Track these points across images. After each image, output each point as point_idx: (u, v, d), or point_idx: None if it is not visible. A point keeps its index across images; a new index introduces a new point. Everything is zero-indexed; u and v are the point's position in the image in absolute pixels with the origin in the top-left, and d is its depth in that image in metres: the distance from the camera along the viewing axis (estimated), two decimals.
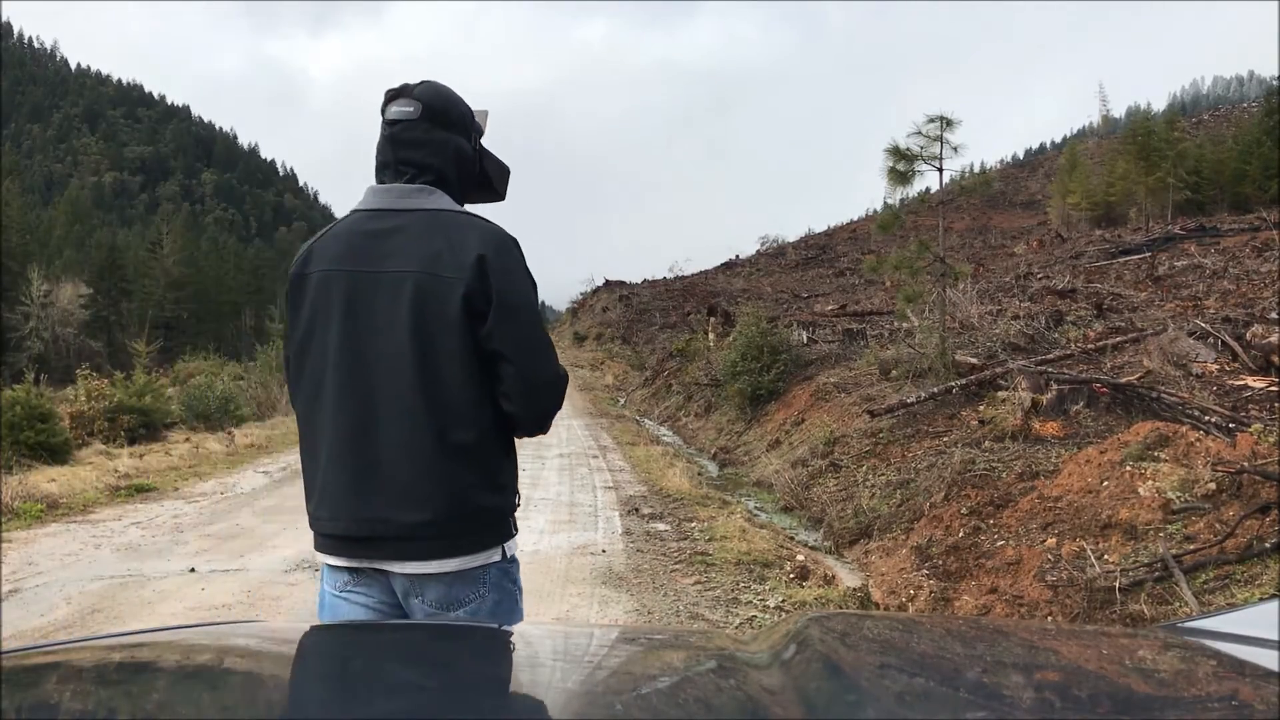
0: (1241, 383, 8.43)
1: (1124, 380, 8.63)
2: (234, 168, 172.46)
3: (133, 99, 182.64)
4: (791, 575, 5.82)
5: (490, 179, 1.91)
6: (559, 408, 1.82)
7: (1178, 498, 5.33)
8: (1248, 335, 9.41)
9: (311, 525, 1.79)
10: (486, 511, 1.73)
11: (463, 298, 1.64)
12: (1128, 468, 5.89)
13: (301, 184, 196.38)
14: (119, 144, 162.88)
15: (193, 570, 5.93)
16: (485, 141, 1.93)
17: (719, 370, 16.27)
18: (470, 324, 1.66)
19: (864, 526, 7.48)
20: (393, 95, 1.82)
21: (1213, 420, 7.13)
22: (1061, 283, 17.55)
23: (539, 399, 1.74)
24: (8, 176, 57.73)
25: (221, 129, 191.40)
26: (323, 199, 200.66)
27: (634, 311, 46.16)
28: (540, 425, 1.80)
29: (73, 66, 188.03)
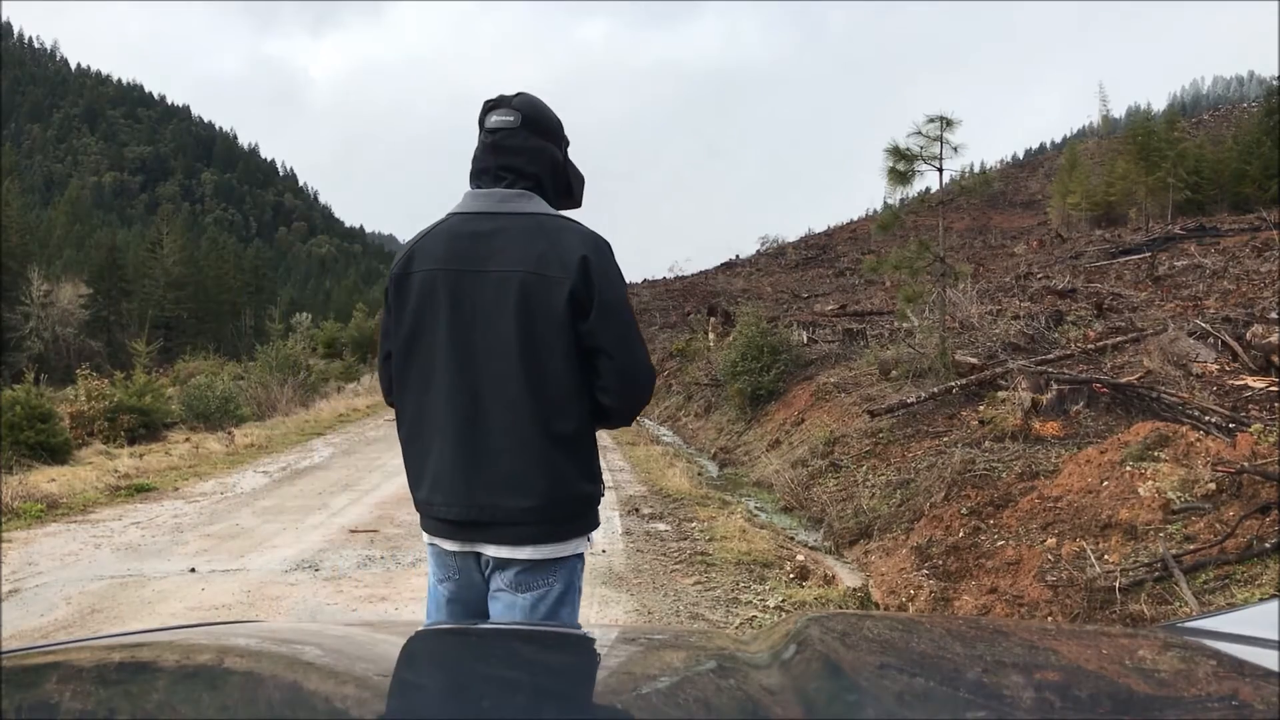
0: (1241, 383, 8.43)
1: (1124, 380, 8.63)
2: (234, 168, 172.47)
3: (133, 99, 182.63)
4: (791, 575, 5.82)
5: (571, 186, 2.01)
6: (649, 400, 1.95)
7: (1178, 498, 5.33)
8: (1248, 335, 9.41)
9: (421, 510, 1.91)
10: (583, 499, 1.86)
11: (568, 296, 1.75)
12: (1128, 468, 5.89)
13: (301, 184, 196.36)
14: (119, 144, 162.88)
15: (193, 570, 5.93)
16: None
17: (719, 370, 16.27)
18: (572, 321, 1.77)
19: (864, 526, 7.48)
20: (492, 105, 1.92)
21: (1213, 420, 7.13)
22: (1061, 283, 17.55)
23: (634, 391, 1.87)
24: (8, 176, 57.70)
25: (221, 129, 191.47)
26: (323, 199, 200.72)
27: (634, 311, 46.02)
28: (632, 416, 1.93)
29: (73, 66, 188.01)
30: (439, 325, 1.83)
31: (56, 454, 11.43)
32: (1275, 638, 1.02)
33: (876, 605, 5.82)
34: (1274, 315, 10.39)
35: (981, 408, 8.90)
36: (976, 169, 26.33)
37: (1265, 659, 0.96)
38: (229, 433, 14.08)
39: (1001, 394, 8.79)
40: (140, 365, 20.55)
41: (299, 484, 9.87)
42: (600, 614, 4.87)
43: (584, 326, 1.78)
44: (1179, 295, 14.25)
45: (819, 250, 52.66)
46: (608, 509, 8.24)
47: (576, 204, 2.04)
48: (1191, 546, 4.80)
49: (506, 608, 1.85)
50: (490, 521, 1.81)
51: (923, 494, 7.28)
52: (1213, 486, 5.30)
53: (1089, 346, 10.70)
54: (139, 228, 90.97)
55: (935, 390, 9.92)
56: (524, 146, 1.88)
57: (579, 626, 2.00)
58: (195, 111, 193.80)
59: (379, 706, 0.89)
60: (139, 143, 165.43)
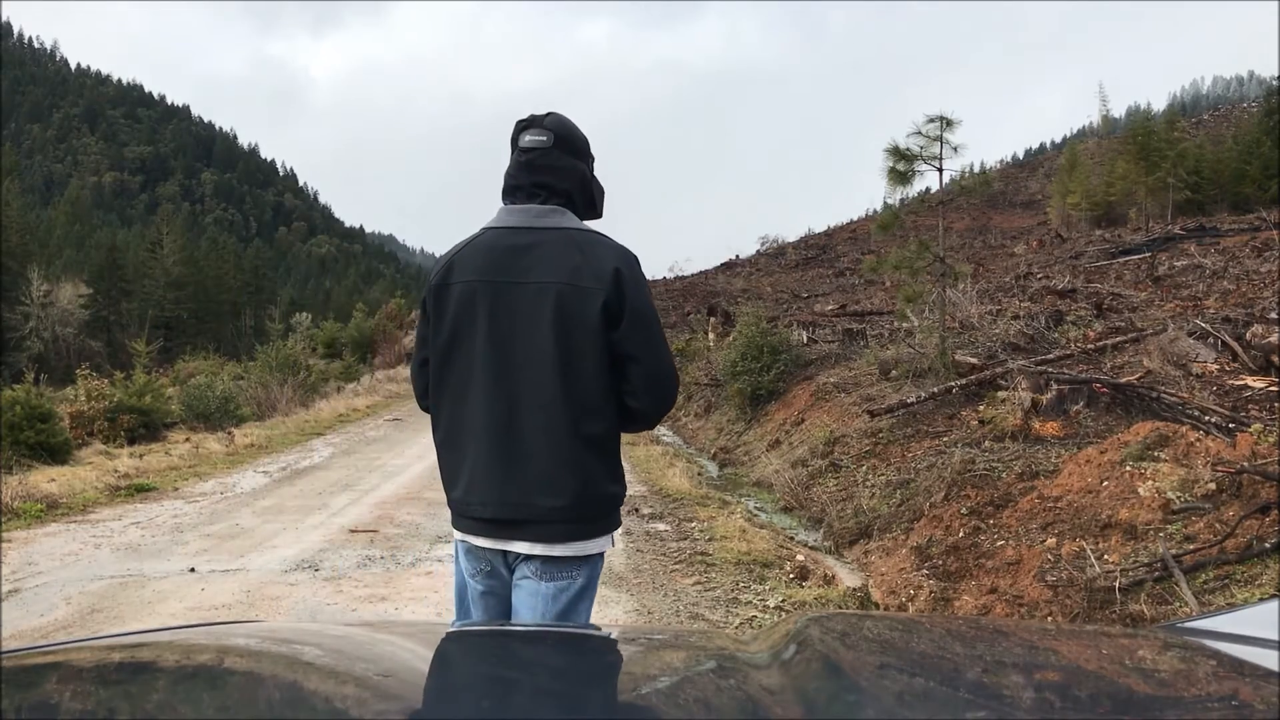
0: (1241, 383, 8.42)
1: (1124, 380, 8.63)
2: (234, 168, 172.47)
3: (133, 99, 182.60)
4: (791, 575, 5.82)
5: (595, 200, 2.11)
6: (674, 403, 2.07)
7: (1178, 498, 5.33)
8: (1248, 335, 9.41)
9: (456, 509, 2.00)
10: (609, 499, 1.96)
11: (602, 306, 1.86)
12: (1128, 468, 5.89)
13: (301, 184, 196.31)
14: (119, 144, 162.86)
15: (192, 570, 5.93)
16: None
17: (719, 370, 16.26)
18: (605, 329, 1.88)
19: (864, 526, 7.48)
20: (525, 125, 2.02)
21: (1213, 420, 7.13)
22: (1061, 283, 17.54)
23: (662, 394, 1.98)
24: (8, 176, 57.67)
25: (221, 129, 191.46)
26: (323, 199, 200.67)
27: None
28: (658, 418, 2.04)
29: (73, 66, 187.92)
30: (477, 334, 1.92)
31: (56, 454, 11.43)
32: (1275, 638, 1.02)
33: (876, 605, 5.82)
34: (1274, 315, 10.39)
35: (981, 408, 8.90)
36: (976, 169, 26.30)
37: (1265, 659, 0.96)
38: (229, 433, 14.08)
39: (1001, 394, 8.79)
40: (140, 365, 20.57)
41: (299, 484, 9.87)
42: (600, 614, 4.87)
43: (615, 334, 1.89)
44: (1179, 295, 14.25)
45: (819, 250, 52.64)
46: None
47: (599, 215, 2.13)
48: (1191, 546, 4.80)
49: (529, 595, 1.93)
50: (524, 520, 1.90)
51: (923, 494, 7.28)
52: (1213, 486, 5.30)
53: (1089, 346, 10.70)
54: (139, 228, 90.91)
55: (935, 390, 9.92)
56: (556, 165, 1.98)
57: (588, 625, 2.01)
58: (195, 111, 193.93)
59: (378, 706, 0.89)
60: (139, 143, 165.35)
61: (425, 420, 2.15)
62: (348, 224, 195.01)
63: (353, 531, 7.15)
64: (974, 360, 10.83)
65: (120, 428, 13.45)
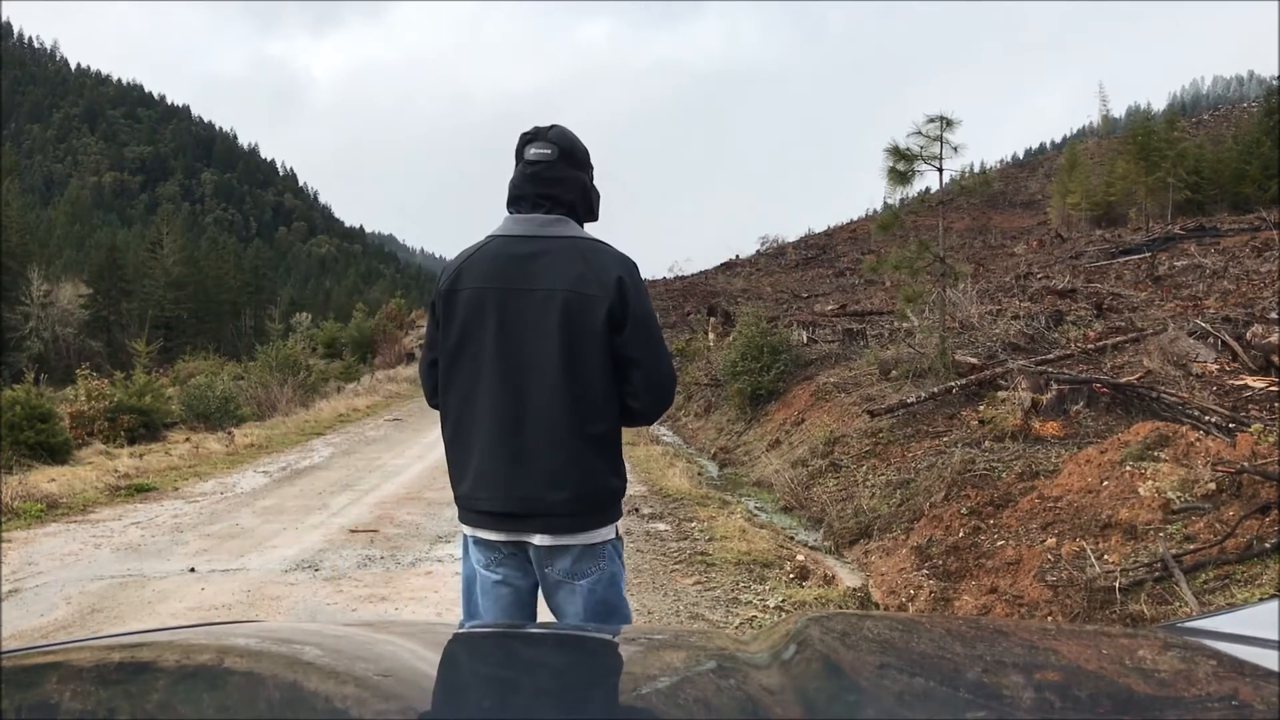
0: (1241, 383, 8.42)
1: (1124, 380, 8.63)
2: (234, 168, 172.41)
3: (133, 99, 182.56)
4: (791, 575, 5.82)
5: (593, 206, 2.21)
6: (672, 402, 2.22)
7: (1178, 498, 5.33)
8: (1248, 335, 9.41)
9: (464, 504, 2.11)
10: (610, 493, 2.07)
11: (606, 312, 1.96)
12: (1128, 468, 5.89)
13: (301, 184, 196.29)
14: (119, 144, 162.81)
15: (193, 570, 5.93)
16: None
17: (719, 370, 16.26)
18: (608, 334, 1.98)
19: (864, 526, 7.48)
20: (529, 138, 2.12)
21: (1213, 420, 7.13)
22: (1061, 283, 17.54)
23: (661, 395, 2.10)
24: (8, 176, 57.65)
25: (221, 129, 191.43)
26: (323, 199, 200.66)
27: None
28: (657, 416, 2.16)
29: (73, 66, 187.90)
30: (485, 337, 2.02)
31: (56, 454, 11.43)
32: (1275, 638, 1.02)
33: (876, 605, 5.82)
34: (1274, 315, 10.39)
35: (981, 408, 8.90)
36: (976, 169, 26.30)
37: (1265, 659, 0.96)
38: (229, 433, 14.08)
39: (1001, 394, 8.79)
40: (140, 365, 20.58)
41: (299, 484, 9.87)
42: None
43: (618, 339, 2.00)
44: (1179, 295, 14.25)
45: (819, 250, 52.61)
46: None
47: (595, 219, 2.23)
48: (1191, 546, 4.80)
49: (569, 594, 2.06)
50: (531, 514, 2.00)
51: (923, 494, 7.28)
52: (1213, 486, 5.30)
53: (1089, 346, 10.70)
54: (139, 228, 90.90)
55: (935, 390, 9.92)
56: (561, 177, 2.08)
57: (588, 626, 2.01)
58: (195, 111, 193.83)
59: (378, 706, 0.89)
60: (139, 143, 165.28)
61: (425, 420, 2.20)
62: (348, 224, 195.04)
63: (353, 531, 7.15)
64: (974, 360, 10.82)
65: (120, 428, 13.46)
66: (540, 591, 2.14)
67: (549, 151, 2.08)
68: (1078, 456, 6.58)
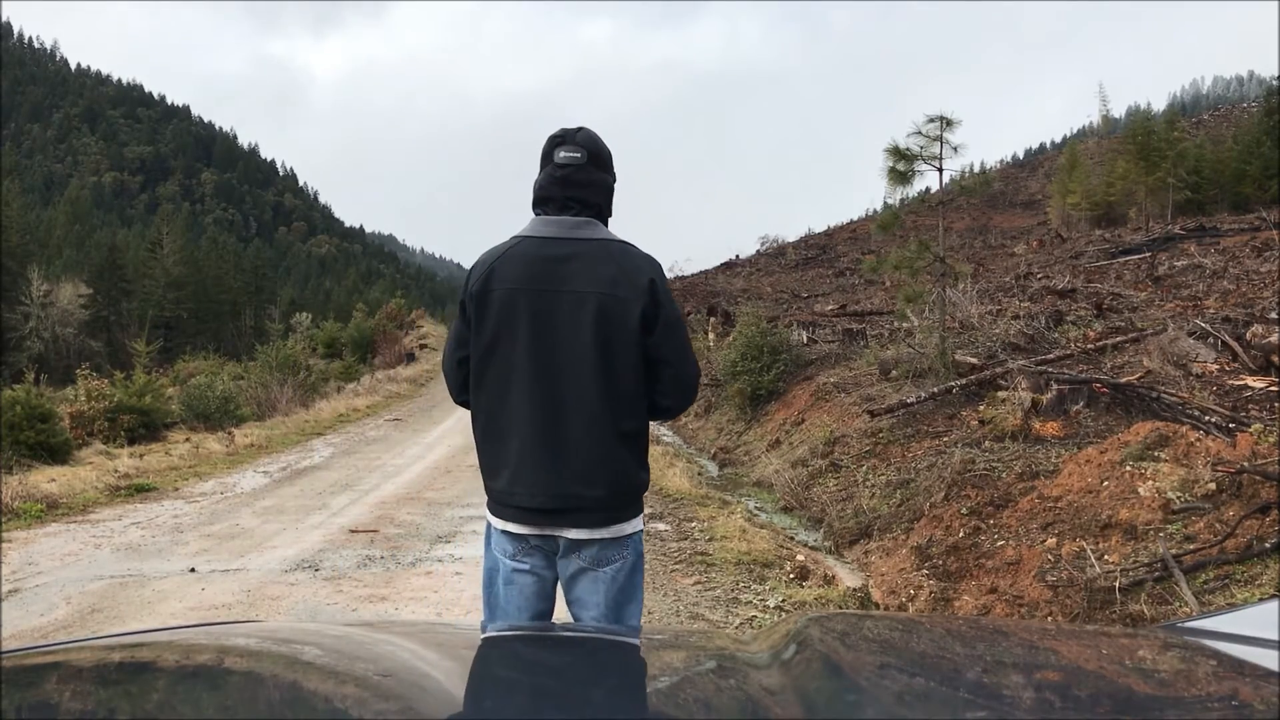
0: (1241, 383, 8.42)
1: (1124, 380, 8.63)
2: (234, 168, 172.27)
3: (133, 99, 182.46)
4: (791, 575, 5.82)
5: (611, 206, 2.26)
6: (695, 399, 2.30)
7: (1178, 498, 5.33)
8: (1248, 335, 9.41)
9: (500, 499, 2.13)
10: (640, 486, 2.15)
11: (640, 314, 2.03)
12: (1128, 468, 5.89)
13: (301, 184, 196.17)
14: (119, 144, 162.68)
15: (193, 570, 5.93)
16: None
17: (719, 370, 16.26)
18: (641, 335, 2.04)
19: (864, 526, 7.48)
20: (558, 141, 2.16)
21: (1213, 420, 7.13)
22: (1061, 283, 17.53)
23: (689, 392, 2.19)
24: (8, 176, 57.63)
25: (221, 129, 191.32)
26: (323, 199, 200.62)
27: None
28: (682, 411, 2.30)
29: (73, 66, 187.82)
30: (518, 337, 2.05)
31: (56, 454, 11.43)
32: (1275, 638, 1.02)
33: (876, 605, 5.82)
34: (1274, 315, 10.39)
35: (981, 408, 8.90)
36: (977, 169, 26.29)
37: (1265, 659, 0.96)
38: (229, 433, 14.08)
39: (1001, 394, 8.79)
40: (140, 365, 20.56)
41: (299, 484, 9.87)
42: None
43: (650, 340, 2.06)
44: (1179, 295, 14.25)
45: (819, 250, 52.58)
46: None
47: (610, 214, 2.27)
48: (1191, 546, 4.80)
49: (591, 582, 2.11)
50: (568, 509, 2.05)
51: (923, 494, 7.27)
52: (1213, 486, 5.30)
53: (1089, 346, 10.69)
54: (139, 228, 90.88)
55: (935, 390, 9.91)
56: (589, 180, 2.13)
57: (589, 626, 2.01)
58: (195, 111, 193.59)
59: (378, 706, 0.89)
60: (139, 143, 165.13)
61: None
62: (348, 224, 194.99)
63: (353, 531, 7.14)
64: (974, 360, 10.82)
65: (120, 428, 13.46)
66: (559, 581, 2.18)
67: (579, 155, 2.12)
68: (1078, 456, 6.58)
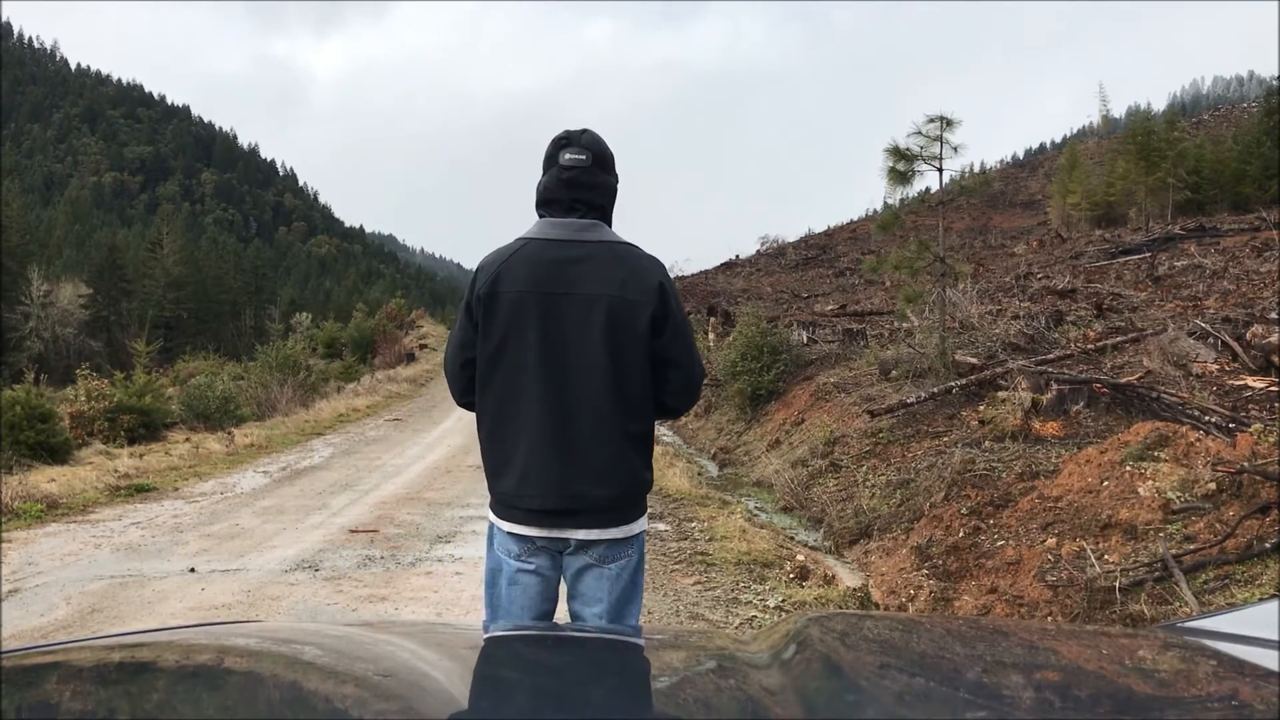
0: (1241, 383, 8.42)
1: (1124, 380, 8.63)
2: (234, 168, 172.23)
3: (133, 99, 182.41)
4: (791, 575, 5.82)
5: (613, 207, 2.27)
6: (699, 398, 2.33)
7: (1178, 498, 5.33)
8: (1248, 335, 9.41)
9: (508, 501, 2.12)
10: (646, 485, 2.17)
11: (650, 317, 2.05)
12: (1128, 468, 5.89)
13: (301, 184, 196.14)
14: (119, 144, 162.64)
15: (193, 570, 5.93)
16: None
17: (719, 370, 16.26)
18: (650, 337, 2.07)
19: (864, 526, 7.48)
20: (563, 143, 2.17)
21: (1213, 420, 7.13)
22: (1061, 283, 17.54)
23: (694, 392, 2.22)
24: (8, 176, 57.61)
25: (221, 129, 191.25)
26: (323, 199, 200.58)
27: None
28: (685, 412, 2.33)
29: (73, 66, 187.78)
30: (527, 340, 2.06)
31: (56, 454, 11.43)
32: (1275, 638, 1.02)
33: (876, 605, 5.82)
34: (1274, 315, 10.39)
35: (981, 408, 8.90)
36: (977, 169, 26.28)
37: (1265, 659, 0.96)
38: (229, 433, 14.08)
39: (1001, 394, 8.79)
40: (140, 365, 20.56)
41: (299, 484, 9.87)
42: None
43: (658, 342, 2.08)
44: (1179, 295, 14.25)
45: (819, 250, 52.56)
46: None
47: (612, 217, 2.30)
48: (1191, 546, 4.80)
49: (597, 578, 2.12)
50: (577, 510, 2.06)
51: (923, 494, 7.28)
52: (1213, 486, 5.30)
53: (1089, 346, 10.70)
54: (139, 228, 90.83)
55: (935, 390, 9.92)
56: (594, 182, 2.14)
57: (588, 626, 2.01)
58: (196, 111, 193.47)
59: (378, 706, 0.89)
60: (139, 143, 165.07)
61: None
62: (348, 224, 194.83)
63: (353, 532, 7.14)
64: (974, 360, 10.83)
65: (120, 428, 13.46)
66: (564, 578, 2.20)
67: (584, 157, 2.13)
68: (1078, 456, 6.58)
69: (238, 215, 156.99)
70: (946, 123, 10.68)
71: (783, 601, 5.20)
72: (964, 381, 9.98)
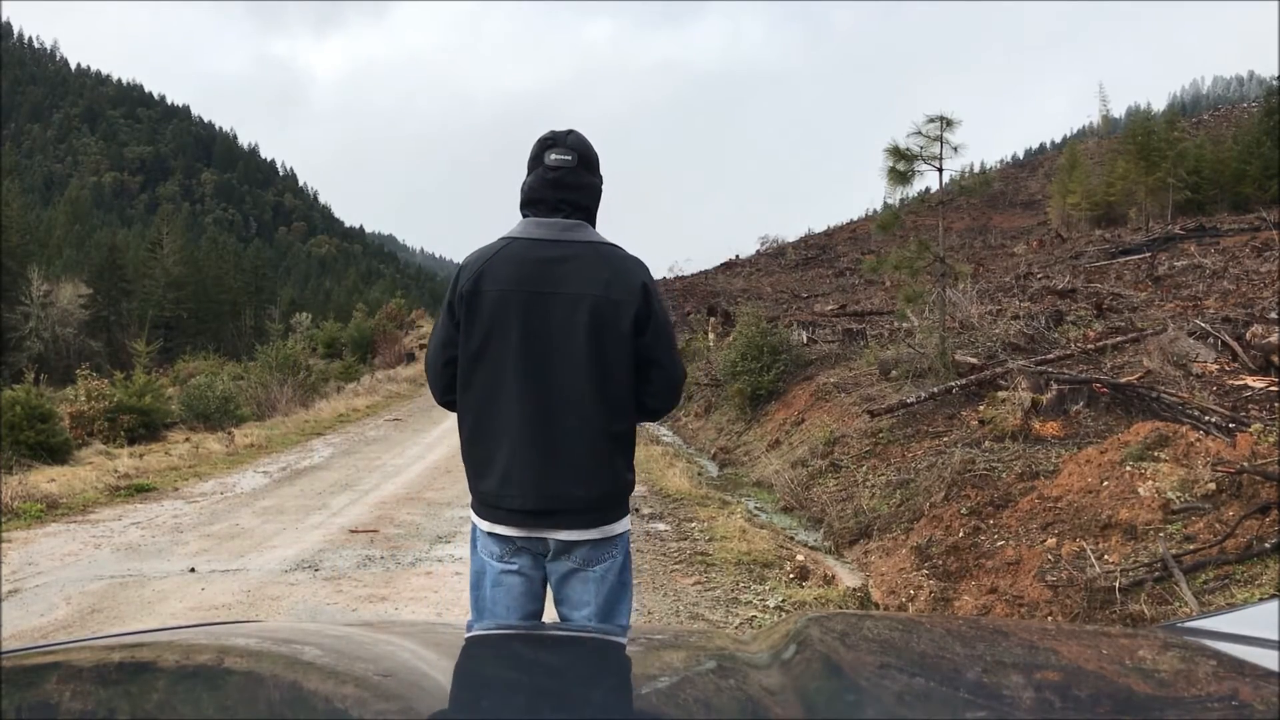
0: (1241, 383, 8.42)
1: (1124, 380, 8.63)
2: (234, 168, 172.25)
3: (133, 99, 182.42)
4: (791, 575, 5.82)
5: (598, 208, 2.28)
6: (681, 401, 2.33)
7: (1178, 498, 5.33)
8: (1248, 335, 9.41)
9: (489, 501, 2.12)
10: (628, 486, 2.16)
11: (634, 317, 2.04)
12: (1128, 468, 5.89)
13: (301, 184, 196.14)
14: (119, 144, 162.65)
15: (192, 570, 5.93)
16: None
17: (719, 370, 16.26)
18: (633, 337, 2.06)
19: (864, 526, 7.48)
20: (549, 143, 2.16)
21: (1213, 420, 7.13)
22: (1061, 283, 17.53)
23: (677, 392, 2.22)
24: (8, 176, 57.60)
25: (221, 129, 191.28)
26: (322, 199, 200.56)
27: None
28: (668, 412, 2.28)
29: (73, 66, 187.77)
30: (511, 339, 2.05)
31: (56, 454, 11.43)
32: (1275, 638, 1.02)
33: (876, 605, 5.82)
34: (1274, 315, 10.40)
35: (981, 408, 8.90)
36: (976, 169, 26.26)
37: (1265, 659, 0.96)
38: (229, 433, 14.08)
39: (1001, 394, 8.79)
40: (140, 365, 20.57)
41: (299, 484, 9.87)
42: None
43: (641, 342, 2.08)
44: (1179, 295, 14.25)
45: (819, 250, 52.55)
46: None
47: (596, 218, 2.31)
48: (1191, 546, 4.80)
49: (582, 582, 2.11)
50: (560, 510, 2.05)
51: (923, 494, 7.28)
52: (1213, 486, 5.30)
53: (1089, 346, 10.70)
54: (139, 228, 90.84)
55: (935, 390, 9.91)
56: (580, 183, 2.14)
57: (588, 626, 2.01)
58: (196, 111, 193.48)
59: (378, 706, 0.89)
60: (139, 143, 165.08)
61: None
62: (348, 224, 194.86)
63: (353, 532, 7.14)
64: (974, 360, 10.83)
65: (120, 428, 13.46)
66: (548, 583, 2.18)
67: (569, 158, 2.13)
68: (1078, 456, 6.58)
69: (238, 215, 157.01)
70: (946, 123, 10.68)
71: (783, 601, 5.20)
72: (964, 381, 9.97)
